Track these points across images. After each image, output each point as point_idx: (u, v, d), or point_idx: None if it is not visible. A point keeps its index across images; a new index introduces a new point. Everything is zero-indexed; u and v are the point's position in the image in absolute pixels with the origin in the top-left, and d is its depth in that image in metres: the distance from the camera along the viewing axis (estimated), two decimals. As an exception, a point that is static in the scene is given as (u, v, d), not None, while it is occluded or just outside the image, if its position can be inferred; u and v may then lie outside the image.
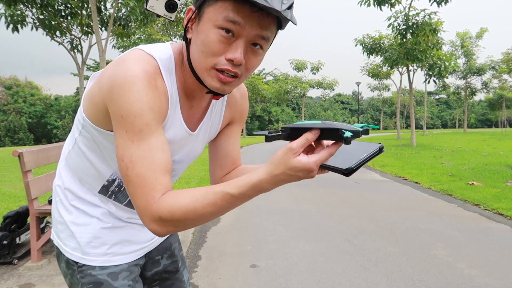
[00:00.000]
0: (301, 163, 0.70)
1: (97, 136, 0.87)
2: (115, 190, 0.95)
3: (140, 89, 0.72)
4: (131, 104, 0.72)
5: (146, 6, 0.99)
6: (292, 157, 0.69)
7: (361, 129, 0.68)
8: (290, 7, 0.71)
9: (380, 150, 0.75)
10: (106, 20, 10.87)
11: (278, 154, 0.70)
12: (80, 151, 0.93)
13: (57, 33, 11.75)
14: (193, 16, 0.79)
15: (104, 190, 0.95)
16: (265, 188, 0.73)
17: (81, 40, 12.78)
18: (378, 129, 1.60)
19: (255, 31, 0.73)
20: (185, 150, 0.96)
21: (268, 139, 0.72)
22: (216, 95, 0.87)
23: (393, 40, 14.29)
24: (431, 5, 11.76)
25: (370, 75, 21.68)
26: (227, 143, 1.09)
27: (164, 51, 0.82)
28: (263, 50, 0.79)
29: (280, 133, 0.73)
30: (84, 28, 11.47)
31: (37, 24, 11.24)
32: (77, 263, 0.94)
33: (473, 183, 6.10)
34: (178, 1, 1.00)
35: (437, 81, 14.31)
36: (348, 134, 0.65)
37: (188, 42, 0.81)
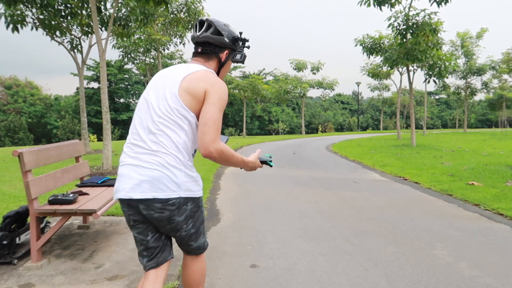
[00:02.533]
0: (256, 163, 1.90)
1: (190, 119, 1.66)
2: (193, 155, 1.78)
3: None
4: (223, 93, 1.71)
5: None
6: (256, 163, 1.90)
7: (270, 159, 2.00)
8: (242, 60, 1.96)
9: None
10: (106, 20, 10.86)
11: (253, 160, 1.88)
12: (187, 137, 1.68)
13: (57, 33, 11.76)
14: (228, 56, 1.87)
15: (191, 157, 1.74)
16: (245, 163, 1.84)
17: (81, 40, 12.79)
18: (270, 161, 1.86)
19: None
20: None
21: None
22: None
23: (393, 40, 14.28)
24: (431, 5, 11.76)
25: (370, 75, 21.65)
26: None
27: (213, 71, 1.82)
28: None
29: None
30: (84, 28, 11.47)
31: (37, 24, 11.24)
32: (199, 197, 1.74)
33: (473, 183, 6.09)
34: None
35: (437, 81, 14.29)
36: (272, 164, 2.00)
37: (221, 65, 1.87)
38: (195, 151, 1.78)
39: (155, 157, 1.62)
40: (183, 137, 1.65)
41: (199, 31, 1.81)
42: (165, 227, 1.70)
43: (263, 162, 1.98)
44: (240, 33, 1.89)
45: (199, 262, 1.86)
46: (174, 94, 1.65)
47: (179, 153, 1.64)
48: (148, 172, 1.61)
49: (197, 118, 1.66)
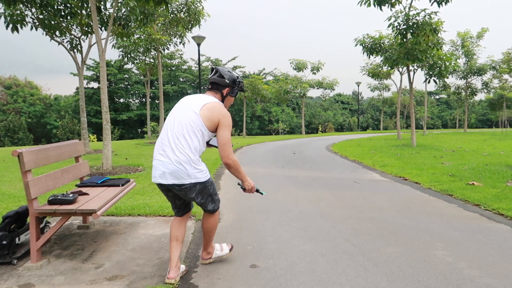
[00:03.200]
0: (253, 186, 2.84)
1: (206, 134, 2.61)
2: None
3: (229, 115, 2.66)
4: (229, 120, 2.63)
5: None
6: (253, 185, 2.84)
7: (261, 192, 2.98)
8: (242, 90, 2.98)
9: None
10: (106, 20, 10.86)
11: (251, 182, 2.83)
12: (199, 143, 2.57)
13: (57, 32, 11.75)
14: (228, 92, 2.82)
15: (199, 155, 2.62)
16: (245, 178, 2.79)
17: (81, 40, 12.78)
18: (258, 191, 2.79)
19: None
20: None
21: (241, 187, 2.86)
22: None
23: (393, 40, 14.27)
24: (431, 4, 11.74)
25: (370, 75, 21.63)
26: None
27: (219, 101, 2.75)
28: None
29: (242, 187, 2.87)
30: (84, 28, 11.47)
31: (37, 23, 11.23)
32: (205, 181, 2.62)
33: (473, 183, 6.09)
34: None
35: (437, 81, 14.26)
36: (263, 192, 3.00)
37: (224, 97, 2.81)
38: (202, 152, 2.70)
39: (175, 155, 2.53)
40: (195, 142, 2.57)
41: (211, 75, 2.81)
42: (184, 198, 2.72)
43: (257, 190, 2.89)
44: (237, 77, 2.81)
45: (212, 217, 2.83)
46: (197, 114, 2.58)
47: (191, 153, 2.55)
48: (170, 166, 2.54)
49: (208, 131, 2.62)
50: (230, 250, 3.06)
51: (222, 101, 2.80)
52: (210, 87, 2.81)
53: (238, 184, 2.90)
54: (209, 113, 2.58)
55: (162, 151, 2.58)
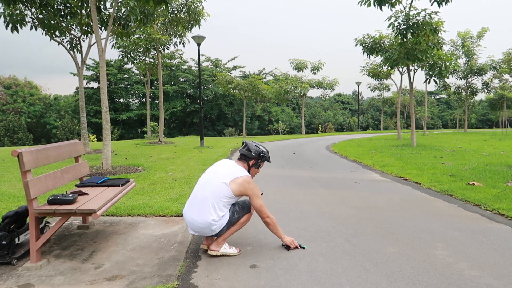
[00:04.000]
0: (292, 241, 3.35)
1: (234, 198, 3.11)
2: None
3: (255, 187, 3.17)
4: (257, 190, 3.16)
5: None
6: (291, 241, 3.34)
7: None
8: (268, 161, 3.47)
9: None
10: (105, 20, 10.85)
11: (290, 239, 3.37)
12: (226, 206, 3.08)
13: (57, 32, 11.73)
14: (253, 164, 3.34)
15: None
16: (282, 236, 3.33)
17: (81, 40, 12.76)
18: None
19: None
20: None
21: None
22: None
23: (393, 40, 14.25)
24: (431, 4, 11.72)
25: (370, 75, 21.62)
26: None
27: (245, 169, 3.28)
28: None
29: None
30: (84, 27, 11.46)
31: (37, 23, 11.23)
32: (230, 216, 3.11)
33: (473, 183, 6.08)
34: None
35: (437, 81, 14.24)
36: (304, 246, 3.36)
37: (250, 167, 3.32)
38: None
39: (203, 216, 3.02)
40: (221, 205, 3.04)
41: (241, 148, 3.32)
42: None
43: (299, 245, 3.31)
44: (262, 152, 3.29)
45: (245, 217, 3.23)
46: (227, 185, 3.02)
47: (216, 214, 3.02)
48: (198, 224, 3.04)
49: (237, 196, 3.09)
50: (238, 251, 3.22)
51: (249, 169, 3.27)
52: (239, 157, 3.31)
53: (282, 245, 3.34)
54: (241, 188, 3.06)
55: (192, 206, 3.11)
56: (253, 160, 3.25)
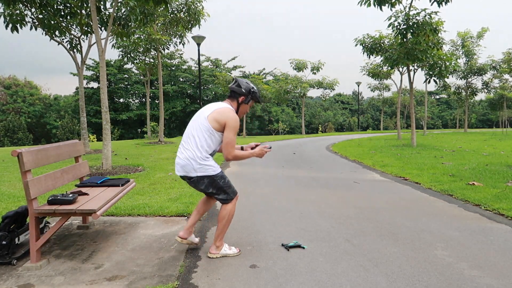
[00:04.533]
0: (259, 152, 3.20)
1: (216, 136, 2.98)
2: (212, 153, 3.05)
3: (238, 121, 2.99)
4: (237, 125, 2.97)
5: None
6: (258, 152, 3.21)
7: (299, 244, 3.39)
8: (258, 101, 3.24)
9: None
10: (105, 20, 10.85)
11: (257, 151, 3.19)
12: (206, 141, 2.96)
13: (57, 32, 11.73)
14: (243, 101, 3.12)
15: (211, 154, 3.04)
16: (252, 154, 3.16)
17: (81, 40, 12.76)
18: None
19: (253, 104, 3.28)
20: None
21: None
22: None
23: (393, 40, 14.26)
24: (431, 4, 11.73)
25: (370, 75, 21.62)
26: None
27: (233, 108, 3.09)
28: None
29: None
30: (84, 27, 11.46)
31: (37, 23, 11.22)
32: (213, 175, 3.00)
33: (473, 183, 6.08)
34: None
35: (437, 81, 14.25)
36: (304, 246, 3.35)
37: (239, 104, 3.13)
38: (214, 151, 3.06)
39: (184, 152, 3.00)
40: (202, 141, 2.96)
41: (231, 84, 3.15)
42: (196, 189, 3.11)
43: (297, 246, 3.35)
44: (253, 88, 3.12)
45: (226, 206, 3.11)
46: (205, 117, 2.97)
47: (198, 150, 2.95)
48: (181, 161, 3.00)
49: (216, 131, 2.96)
50: (238, 252, 3.21)
51: (238, 107, 3.13)
52: (229, 94, 3.17)
53: (282, 245, 3.37)
54: (217, 116, 2.95)
55: (179, 149, 3.09)
56: (242, 96, 3.10)
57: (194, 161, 2.94)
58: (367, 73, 21.63)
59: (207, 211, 3.50)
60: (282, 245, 3.36)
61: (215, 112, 2.97)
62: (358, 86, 37.85)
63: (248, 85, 3.12)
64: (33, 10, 10.84)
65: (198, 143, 2.95)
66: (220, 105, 3.03)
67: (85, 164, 4.10)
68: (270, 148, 3.22)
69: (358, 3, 11.86)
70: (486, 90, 29.61)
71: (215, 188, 3.04)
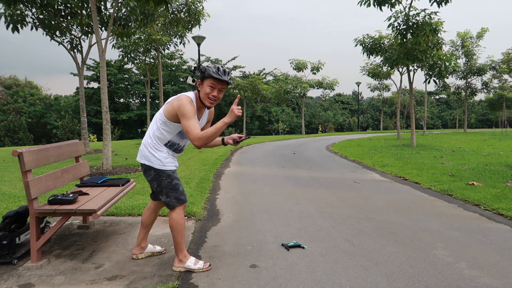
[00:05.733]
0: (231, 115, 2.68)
1: (168, 124, 2.82)
2: (169, 145, 2.90)
3: (190, 105, 2.72)
4: (188, 110, 2.70)
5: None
6: (231, 115, 2.68)
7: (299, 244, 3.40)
8: (230, 78, 2.78)
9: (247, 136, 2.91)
10: (106, 20, 10.86)
11: (228, 118, 2.69)
12: (158, 130, 2.85)
13: (57, 33, 11.74)
14: (199, 83, 2.82)
15: (167, 145, 2.89)
16: (224, 121, 2.65)
17: (81, 40, 12.77)
18: None
19: (220, 86, 2.78)
20: (200, 123, 2.93)
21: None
22: (207, 108, 2.92)
23: (393, 40, 14.26)
24: (431, 5, 11.74)
25: (370, 75, 21.64)
26: (207, 126, 3.09)
27: (192, 95, 2.82)
28: (223, 91, 2.84)
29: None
30: (84, 28, 11.46)
31: (37, 24, 11.23)
32: (161, 170, 2.84)
33: (473, 183, 6.09)
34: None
35: (437, 81, 14.26)
36: (304, 246, 3.36)
37: (198, 90, 2.83)
38: (172, 142, 2.90)
39: (143, 140, 2.94)
40: (155, 130, 2.88)
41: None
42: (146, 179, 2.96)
43: (297, 246, 3.35)
44: (207, 66, 2.81)
45: (172, 214, 2.87)
46: (160, 109, 2.92)
47: (150, 138, 2.89)
48: (140, 147, 2.97)
49: (171, 121, 2.82)
50: (208, 266, 2.90)
51: (199, 93, 2.85)
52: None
53: (282, 245, 3.36)
54: (168, 106, 2.82)
55: None
56: (198, 80, 2.88)
57: (145, 147, 2.86)
58: (367, 73, 21.64)
59: (154, 222, 3.18)
60: (282, 245, 3.37)
61: (168, 103, 2.84)
62: (358, 86, 37.87)
63: (203, 67, 2.88)
64: (33, 10, 10.84)
65: (151, 131, 2.88)
66: (175, 96, 2.89)
67: (85, 164, 4.10)
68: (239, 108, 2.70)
69: (358, 3, 11.87)
70: (485, 90, 29.64)
71: (159, 186, 2.85)
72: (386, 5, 11.77)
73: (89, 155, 11.72)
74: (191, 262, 2.87)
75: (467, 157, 10.18)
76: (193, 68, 3.38)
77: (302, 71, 29.96)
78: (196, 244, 3.47)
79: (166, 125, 2.82)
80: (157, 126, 2.84)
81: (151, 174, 2.86)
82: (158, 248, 3.22)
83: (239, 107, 2.66)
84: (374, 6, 11.77)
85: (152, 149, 2.84)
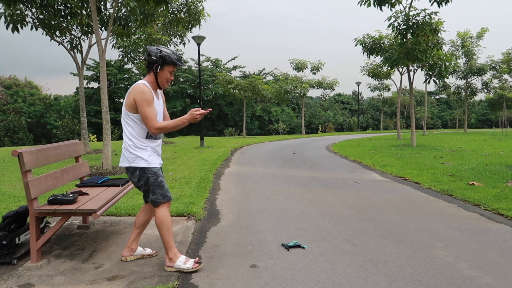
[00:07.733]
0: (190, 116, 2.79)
1: (132, 118, 2.82)
2: (150, 136, 2.89)
3: (150, 93, 2.82)
4: (150, 97, 2.80)
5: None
6: (190, 116, 2.79)
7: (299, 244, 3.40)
8: (181, 63, 2.99)
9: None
10: (106, 20, 10.86)
11: (187, 117, 2.79)
12: (133, 128, 2.84)
13: (57, 32, 11.75)
14: (156, 68, 2.86)
15: (147, 137, 2.88)
16: (183, 120, 2.80)
17: (81, 40, 12.77)
18: None
19: (174, 70, 2.94)
20: (158, 109, 2.93)
21: None
22: (161, 89, 3.02)
23: (393, 40, 14.26)
24: (431, 5, 11.74)
25: (370, 75, 21.63)
26: (165, 109, 3.09)
27: (146, 82, 2.86)
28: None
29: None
30: (84, 28, 11.46)
31: (37, 23, 11.23)
32: (145, 168, 2.83)
33: (473, 183, 6.09)
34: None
35: (437, 81, 14.26)
36: (304, 246, 3.34)
37: (156, 74, 2.88)
38: (150, 134, 2.88)
39: (123, 144, 2.90)
40: (130, 129, 2.85)
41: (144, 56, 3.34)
42: (133, 183, 2.94)
43: (297, 246, 3.33)
44: (161, 51, 2.85)
45: (157, 212, 2.87)
46: (123, 110, 2.87)
47: (129, 139, 2.85)
48: (122, 152, 2.92)
49: (134, 115, 2.81)
50: (197, 266, 2.85)
51: (156, 78, 2.89)
52: (146, 66, 2.95)
53: (282, 245, 3.36)
54: (127, 99, 2.81)
55: None
56: (155, 64, 2.85)
57: (127, 151, 2.83)
58: (367, 73, 21.63)
59: (147, 223, 3.14)
60: (282, 245, 3.36)
61: (127, 98, 2.81)
62: (358, 86, 37.87)
63: (157, 51, 2.86)
64: (33, 10, 10.85)
65: (127, 132, 2.84)
66: (131, 87, 2.86)
67: (85, 164, 4.10)
68: (208, 110, 2.82)
69: (358, 3, 11.87)
70: (485, 90, 29.63)
71: (146, 185, 2.84)
72: (386, 5, 11.78)
73: (89, 155, 11.72)
74: (181, 261, 2.84)
75: (467, 157, 10.18)
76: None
77: (302, 71, 29.97)
78: (196, 244, 3.47)
79: (137, 119, 2.82)
80: (129, 124, 2.83)
81: (137, 174, 2.84)
82: (148, 251, 3.17)
83: (202, 112, 2.78)
84: (374, 6, 11.77)
85: (135, 150, 2.82)
